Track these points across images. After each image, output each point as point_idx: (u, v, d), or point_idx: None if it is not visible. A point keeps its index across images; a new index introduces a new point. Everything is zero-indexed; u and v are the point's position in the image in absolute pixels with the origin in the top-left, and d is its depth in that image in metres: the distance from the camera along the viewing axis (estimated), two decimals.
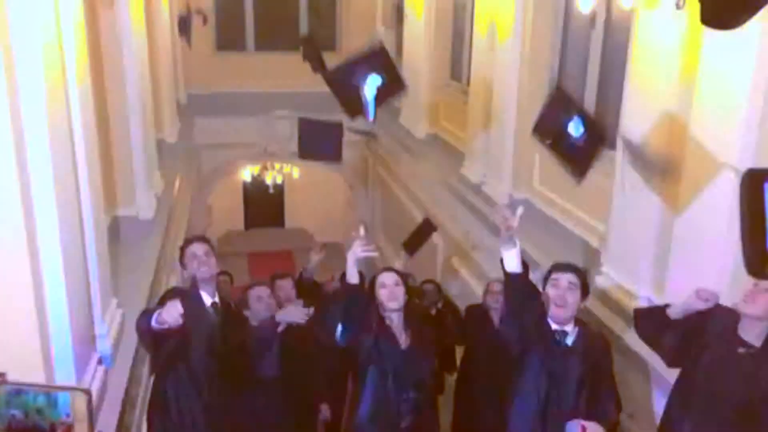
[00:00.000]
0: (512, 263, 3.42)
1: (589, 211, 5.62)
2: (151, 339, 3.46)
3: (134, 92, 6.42)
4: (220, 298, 3.93)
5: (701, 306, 3.13)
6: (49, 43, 3.57)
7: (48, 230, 3.56)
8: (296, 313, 3.81)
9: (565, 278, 3.37)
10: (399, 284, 3.67)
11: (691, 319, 3.21)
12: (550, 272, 3.45)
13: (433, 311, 5.85)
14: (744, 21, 2.00)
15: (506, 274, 3.46)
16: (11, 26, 3.21)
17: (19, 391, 2.99)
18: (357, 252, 3.46)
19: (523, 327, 3.41)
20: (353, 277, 3.49)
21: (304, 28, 12.57)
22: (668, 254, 4.16)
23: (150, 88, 7.41)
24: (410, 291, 3.83)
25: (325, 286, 5.60)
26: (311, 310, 3.81)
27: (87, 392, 3.03)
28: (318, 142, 3.83)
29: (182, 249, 3.89)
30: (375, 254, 3.61)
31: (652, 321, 3.40)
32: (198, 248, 3.80)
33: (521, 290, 3.47)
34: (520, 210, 3.42)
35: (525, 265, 3.50)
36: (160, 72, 8.63)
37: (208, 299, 3.79)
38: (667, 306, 3.33)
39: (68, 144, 3.91)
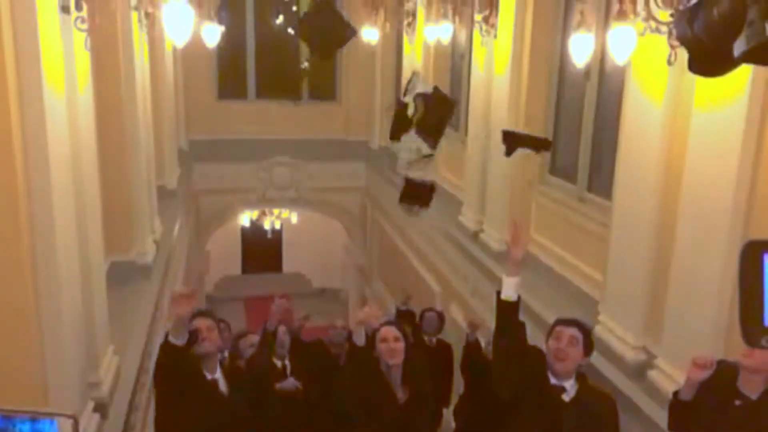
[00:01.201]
0: (510, 291, 3.48)
1: (585, 260, 5.65)
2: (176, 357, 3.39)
3: (136, 139, 6.50)
4: (222, 370, 3.79)
5: (703, 376, 3.08)
6: (53, 89, 3.66)
7: (48, 276, 3.58)
8: (290, 386, 4.45)
9: (568, 332, 3.36)
10: (399, 339, 3.66)
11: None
12: (554, 325, 3.46)
13: (434, 341, 5.82)
14: (729, 70, 2.06)
15: (500, 301, 3.50)
16: (20, 74, 3.32)
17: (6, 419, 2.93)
18: (358, 317, 4.16)
19: (517, 374, 3.40)
20: (360, 340, 4.01)
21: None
22: (664, 303, 4.18)
23: (152, 135, 7.51)
24: (409, 345, 3.84)
25: (329, 329, 5.50)
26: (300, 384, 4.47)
27: (72, 416, 2.97)
28: (326, 28, 3.67)
29: None
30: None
31: (677, 418, 3.30)
32: (201, 323, 3.64)
33: (510, 318, 3.50)
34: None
35: (518, 297, 3.55)
36: (162, 119, 8.74)
37: (208, 376, 3.65)
38: (677, 393, 3.27)
39: (70, 189, 3.96)
